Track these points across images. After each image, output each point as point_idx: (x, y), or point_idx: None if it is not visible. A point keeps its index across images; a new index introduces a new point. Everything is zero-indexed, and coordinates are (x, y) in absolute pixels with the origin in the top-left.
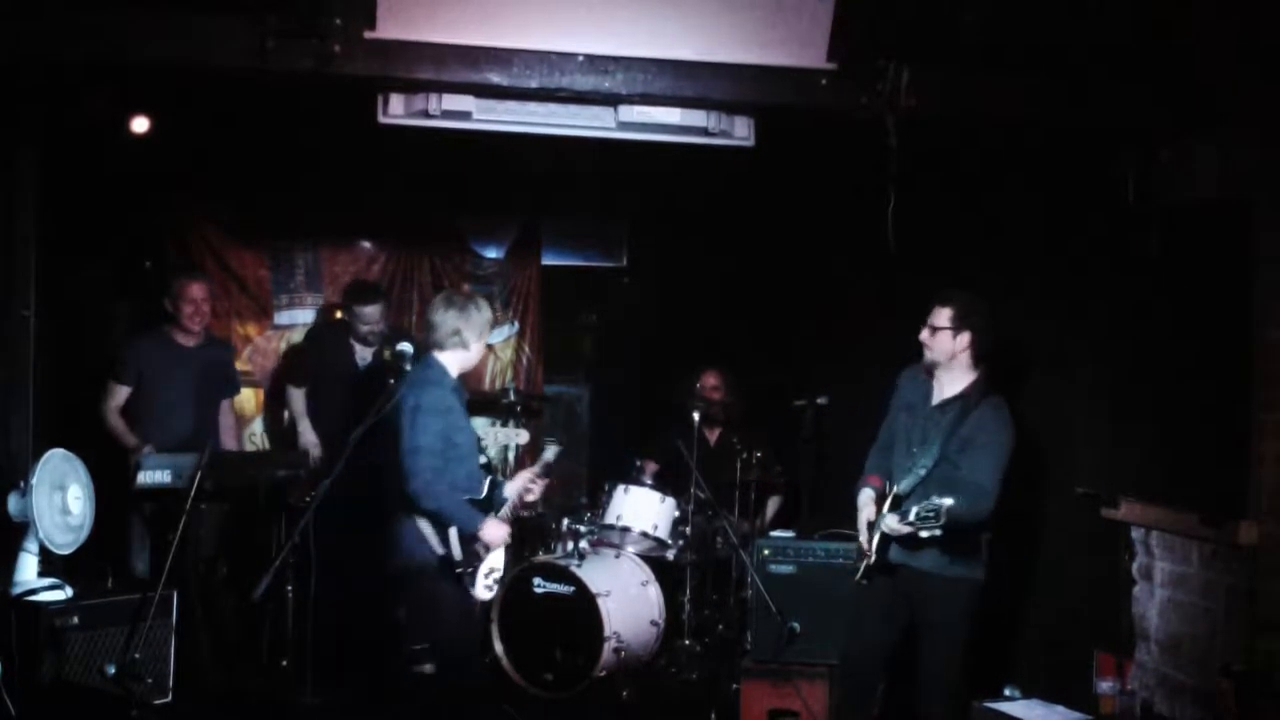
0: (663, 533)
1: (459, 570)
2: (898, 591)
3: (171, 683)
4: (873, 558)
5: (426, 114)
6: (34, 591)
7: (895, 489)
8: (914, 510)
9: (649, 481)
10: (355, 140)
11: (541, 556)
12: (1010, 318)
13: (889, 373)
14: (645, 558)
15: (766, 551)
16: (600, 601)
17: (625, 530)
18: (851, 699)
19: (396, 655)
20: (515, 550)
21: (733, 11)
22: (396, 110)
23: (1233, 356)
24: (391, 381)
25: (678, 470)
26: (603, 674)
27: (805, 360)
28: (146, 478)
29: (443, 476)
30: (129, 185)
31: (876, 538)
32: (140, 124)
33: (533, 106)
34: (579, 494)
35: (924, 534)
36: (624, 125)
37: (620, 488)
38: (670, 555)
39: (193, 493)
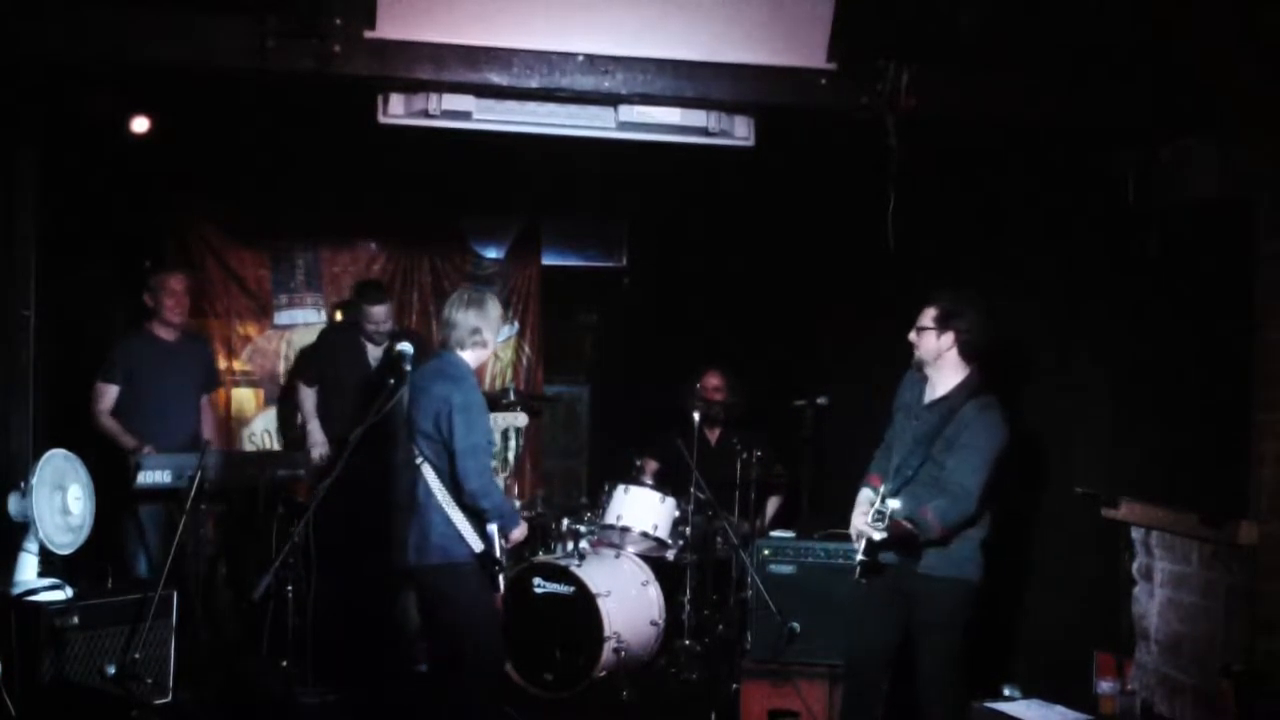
0: (663, 533)
1: (498, 568)
2: (898, 591)
3: (171, 683)
4: (860, 557)
5: (426, 114)
6: (34, 591)
7: (882, 489)
8: (873, 512)
9: (649, 481)
10: (355, 140)
11: (541, 556)
12: (1010, 317)
13: (889, 373)
14: (645, 558)
15: (766, 551)
16: (600, 601)
17: (625, 530)
18: (854, 699)
19: (397, 654)
20: (515, 550)
21: (733, 11)
22: (396, 110)
23: (1233, 356)
24: (391, 382)
25: (678, 470)
26: (603, 674)
27: (805, 360)
28: (146, 478)
29: (490, 474)
30: (129, 185)
31: (863, 539)
32: (140, 124)
33: (533, 106)
34: (579, 494)
35: (876, 536)
36: (624, 125)
37: (620, 488)
38: (670, 555)
39: (193, 493)
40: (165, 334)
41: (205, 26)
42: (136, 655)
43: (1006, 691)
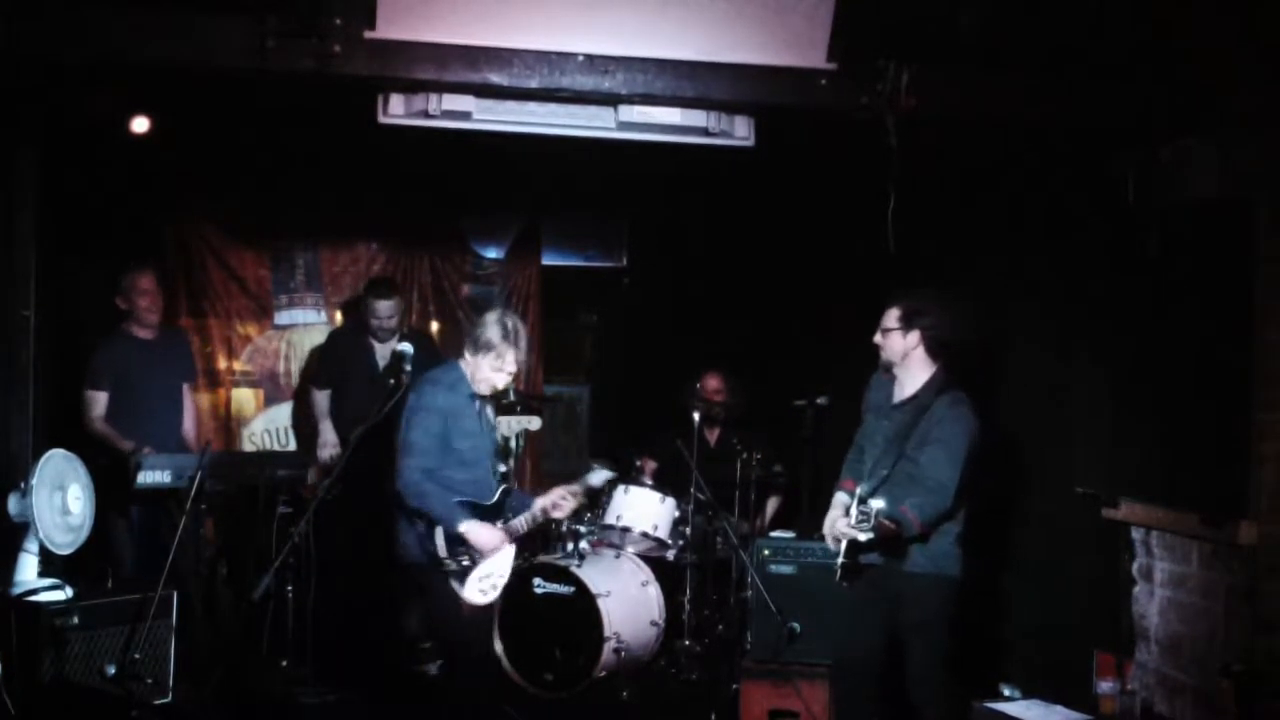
0: (663, 533)
1: (444, 568)
2: (881, 592)
3: (171, 683)
4: (842, 560)
5: (426, 114)
6: (34, 591)
7: (859, 491)
8: (854, 513)
9: (649, 481)
10: (355, 140)
11: (541, 557)
12: (1010, 317)
13: None
14: (645, 558)
15: (766, 551)
16: (600, 602)
17: (625, 530)
18: (850, 700)
19: (397, 655)
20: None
21: (733, 11)
22: (396, 110)
23: (1233, 356)
24: (392, 382)
25: (678, 470)
26: (603, 674)
27: (805, 360)
28: (146, 478)
29: (433, 476)
30: (129, 185)
31: (844, 541)
32: (140, 124)
33: (533, 106)
34: None
35: (862, 537)
36: (624, 125)
37: (620, 488)
38: (670, 555)
39: (193, 493)
40: (145, 333)
41: (205, 26)
42: (136, 655)
43: (1006, 691)
